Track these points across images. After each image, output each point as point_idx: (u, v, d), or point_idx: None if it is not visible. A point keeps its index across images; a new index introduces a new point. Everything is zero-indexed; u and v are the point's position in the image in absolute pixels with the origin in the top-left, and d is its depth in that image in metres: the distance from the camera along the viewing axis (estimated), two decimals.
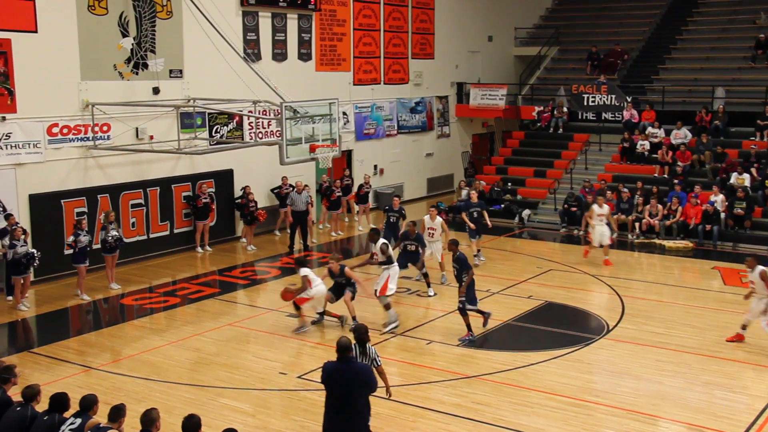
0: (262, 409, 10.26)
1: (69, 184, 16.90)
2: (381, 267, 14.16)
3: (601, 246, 17.99)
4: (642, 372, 11.65)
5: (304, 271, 13.28)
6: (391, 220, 17.50)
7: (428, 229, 16.27)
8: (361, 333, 8.74)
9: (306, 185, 19.85)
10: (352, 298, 13.48)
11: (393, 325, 13.38)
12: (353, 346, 8.25)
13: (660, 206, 20.67)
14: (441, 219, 16.35)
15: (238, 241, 20.06)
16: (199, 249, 19.05)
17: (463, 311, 12.84)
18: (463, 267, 12.82)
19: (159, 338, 13.08)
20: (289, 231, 19.74)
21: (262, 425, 9.74)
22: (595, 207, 18.05)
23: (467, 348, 12.59)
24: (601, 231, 17.85)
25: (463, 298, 12.79)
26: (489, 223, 17.84)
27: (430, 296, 15.35)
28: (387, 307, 13.55)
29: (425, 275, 15.62)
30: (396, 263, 14.29)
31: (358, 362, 8.12)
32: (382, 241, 14.18)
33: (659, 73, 26.97)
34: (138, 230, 18.20)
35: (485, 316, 13.47)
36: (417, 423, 10.01)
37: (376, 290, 13.71)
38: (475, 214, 17.67)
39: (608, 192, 21.56)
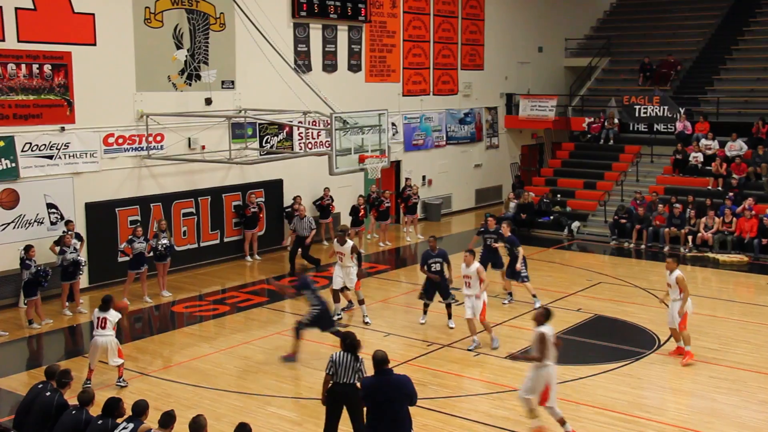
0: (309, 418, 10.28)
1: (123, 193, 17.27)
2: (354, 267, 14.28)
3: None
4: (695, 388, 11.41)
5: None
6: (488, 242, 15.79)
7: (464, 277, 13.11)
8: (353, 339, 8.69)
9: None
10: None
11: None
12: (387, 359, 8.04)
13: (717, 218, 20.20)
14: (478, 265, 13.05)
15: (286, 250, 20.17)
16: (248, 258, 19.26)
17: (297, 330, 12.36)
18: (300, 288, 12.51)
19: (208, 346, 13.24)
20: (288, 253, 18.75)
21: None
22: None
23: (516, 361, 12.44)
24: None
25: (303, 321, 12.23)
26: (518, 266, 15.05)
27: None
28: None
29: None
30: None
31: (396, 374, 8.02)
32: (351, 243, 14.35)
33: (714, 84, 26.45)
34: (189, 239, 18.47)
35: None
36: None
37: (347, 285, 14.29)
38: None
39: (660, 205, 21.20)
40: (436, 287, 13.92)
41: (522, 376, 11.74)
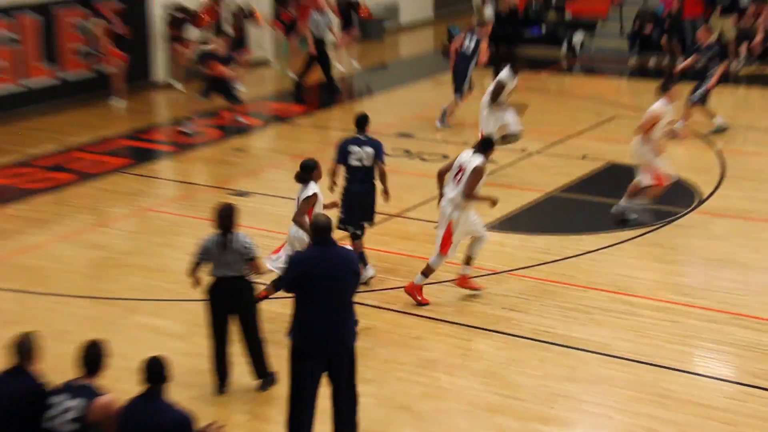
0: (197, 328, 10.00)
1: None
2: None
3: None
4: (753, 260, 11.60)
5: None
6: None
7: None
8: (226, 212, 8.84)
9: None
10: None
11: None
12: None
13: None
14: None
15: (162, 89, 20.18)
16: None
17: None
18: None
19: (42, 232, 13.14)
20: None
21: (198, 351, 9.51)
22: None
23: (490, 230, 12.29)
24: None
25: None
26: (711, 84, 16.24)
27: None
28: None
29: None
30: None
31: (341, 245, 8.28)
32: None
33: None
34: (7, 77, 18.26)
35: None
36: (422, 341, 9.91)
37: None
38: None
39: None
40: None
41: (506, 254, 11.66)
